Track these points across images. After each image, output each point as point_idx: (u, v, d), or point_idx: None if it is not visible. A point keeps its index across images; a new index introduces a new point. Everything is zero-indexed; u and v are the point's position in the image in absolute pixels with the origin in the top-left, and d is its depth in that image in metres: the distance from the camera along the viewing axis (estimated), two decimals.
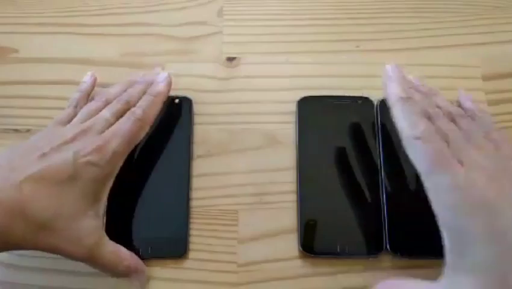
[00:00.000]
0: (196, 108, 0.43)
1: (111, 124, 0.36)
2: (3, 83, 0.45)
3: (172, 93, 0.44)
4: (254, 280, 0.38)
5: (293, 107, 0.43)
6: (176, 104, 0.43)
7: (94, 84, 0.41)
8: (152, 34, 0.47)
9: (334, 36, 0.47)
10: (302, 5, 0.48)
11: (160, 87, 0.39)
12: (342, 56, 0.46)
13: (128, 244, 0.38)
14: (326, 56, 0.46)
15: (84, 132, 0.35)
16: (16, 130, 0.43)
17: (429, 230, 0.37)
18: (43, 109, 0.44)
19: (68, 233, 0.32)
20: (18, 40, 0.47)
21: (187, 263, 0.39)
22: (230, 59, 0.46)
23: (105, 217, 0.39)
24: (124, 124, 0.36)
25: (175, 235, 0.39)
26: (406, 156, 0.40)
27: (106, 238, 0.35)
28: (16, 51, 0.46)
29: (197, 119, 0.43)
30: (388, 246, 0.38)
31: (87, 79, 0.41)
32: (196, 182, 0.41)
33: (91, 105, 0.38)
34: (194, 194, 0.41)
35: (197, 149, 0.42)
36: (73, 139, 0.34)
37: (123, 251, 0.35)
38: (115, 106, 0.37)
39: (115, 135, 0.35)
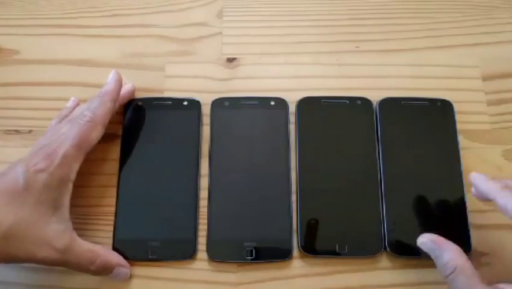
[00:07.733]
0: None
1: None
2: (4, 84, 0.45)
3: (172, 94, 0.44)
4: (254, 280, 0.38)
5: (293, 108, 0.43)
6: (185, 106, 0.43)
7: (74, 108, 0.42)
8: (153, 35, 0.47)
9: (333, 37, 0.47)
10: (302, 6, 0.48)
11: (107, 86, 0.40)
12: (342, 56, 0.46)
13: (138, 245, 0.38)
14: (325, 57, 0.46)
15: (40, 149, 0.35)
16: (17, 131, 0.43)
17: (429, 231, 0.37)
18: (45, 110, 0.44)
19: (35, 238, 0.33)
20: (20, 41, 0.47)
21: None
22: (230, 60, 0.46)
23: (113, 219, 0.39)
24: (73, 128, 0.36)
25: (184, 236, 0.39)
26: (405, 156, 0.41)
27: (79, 239, 0.35)
28: (17, 52, 0.46)
29: None
30: (387, 246, 0.38)
31: (69, 104, 0.42)
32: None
33: (56, 126, 0.39)
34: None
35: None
36: (29, 157, 0.35)
37: (98, 248, 0.36)
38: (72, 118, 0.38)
39: (64, 140, 0.36)
